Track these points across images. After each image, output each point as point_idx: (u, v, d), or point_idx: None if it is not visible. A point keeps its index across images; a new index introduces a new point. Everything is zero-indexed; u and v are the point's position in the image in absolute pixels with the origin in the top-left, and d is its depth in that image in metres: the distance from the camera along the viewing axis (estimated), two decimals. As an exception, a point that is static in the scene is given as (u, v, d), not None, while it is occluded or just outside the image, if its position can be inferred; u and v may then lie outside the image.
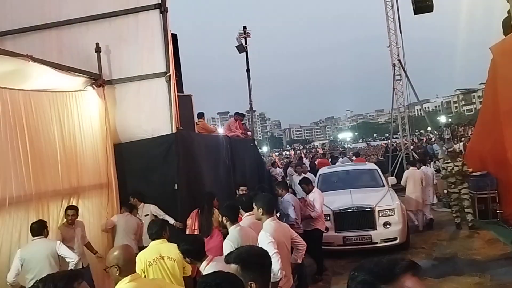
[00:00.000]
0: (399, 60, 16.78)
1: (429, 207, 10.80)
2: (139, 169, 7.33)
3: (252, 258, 2.16)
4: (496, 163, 9.59)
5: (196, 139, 8.38)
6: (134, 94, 7.54)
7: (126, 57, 7.60)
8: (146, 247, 4.51)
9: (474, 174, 10.16)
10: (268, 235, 3.91)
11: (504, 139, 8.87)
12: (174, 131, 7.34)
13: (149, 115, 7.46)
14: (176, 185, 7.13)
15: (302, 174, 11.27)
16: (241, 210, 4.92)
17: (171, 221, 6.87)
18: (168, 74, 7.43)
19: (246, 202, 4.92)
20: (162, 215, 6.97)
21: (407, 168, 11.26)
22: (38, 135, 5.79)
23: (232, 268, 2.11)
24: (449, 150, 10.58)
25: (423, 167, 10.99)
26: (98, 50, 7.38)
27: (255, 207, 4.25)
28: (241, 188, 7.38)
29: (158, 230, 4.33)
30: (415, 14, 15.65)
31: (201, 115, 11.10)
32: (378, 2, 17.39)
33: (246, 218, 4.85)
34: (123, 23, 7.68)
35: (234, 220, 4.38)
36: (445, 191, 12.81)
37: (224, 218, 4.35)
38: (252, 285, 2.06)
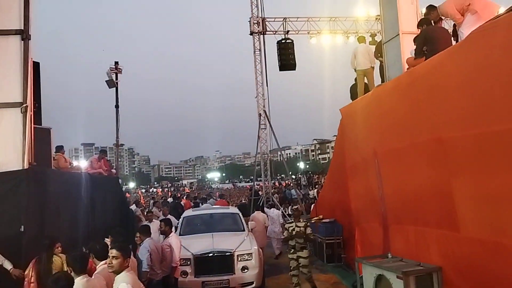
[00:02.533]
0: (265, 111, 17.99)
1: (278, 241, 12.58)
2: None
3: None
4: (342, 211, 10.68)
5: (52, 176, 7.76)
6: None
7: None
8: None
9: (324, 221, 11.20)
10: (130, 286, 3.85)
11: (349, 190, 9.97)
12: (26, 166, 6.72)
13: (-2, 148, 6.73)
14: (22, 227, 6.45)
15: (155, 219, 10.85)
16: (94, 259, 4.67)
17: (9, 266, 6.11)
18: (24, 105, 6.86)
19: (101, 250, 4.68)
20: (1, 261, 6.19)
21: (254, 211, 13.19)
22: None
23: None
24: (293, 208, 9.59)
25: (272, 209, 13.27)
26: None
27: None
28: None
29: None
30: (280, 70, 17.14)
31: (59, 149, 10.38)
32: (249, 53, 18.57)
33: (102, 268, 4.60)
34: (-23, 45, 6.95)
35: (80, 271, 4.15)
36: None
37: (68, 269, 4.08)
38: None
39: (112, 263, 3.94)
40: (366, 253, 8.53)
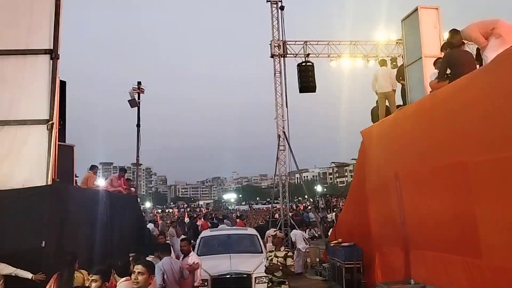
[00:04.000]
0: (284, 132, 17.97)
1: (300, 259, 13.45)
2: (2, 222, 6.58)
3: None
4: (362, 235, 10.49)
5: (73, 193, 7.89)
6: (8, 139, 6.92)
7: (4, 99, 7.04)
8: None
9: (343, 244, 11.00)
10: None
11: (369, 214, 9.82)
12: (50, 182, 6.83)
13: (23, 164, 6.87)
14: (43, 242, 6.52)
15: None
16: (115, 275, 4.67)
17: (28, 275, 6.20)
18: (50, 122, 7.02)
19: (122, 266, 4.69)
20: (14, 271, 6.28)
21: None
22: None
23: None
24: (272, 234, 7.71)
25: (294, 231, 14.30)
26: (-28, 88, 6.76)
27: None
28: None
29: None
30: (300, 92, 17.21)
31: (93, 167, 10.72)
32: (269, 75, 18.70)
33: (122, 284, 4.60)
34: (7, 64, 7.18)
35: (123, 275, 4.36)
36: (317, 259, 13.63)
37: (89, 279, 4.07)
38: None
39: (137, 279, 3.89)
40: (386, 279, 8.34)
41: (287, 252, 7.02)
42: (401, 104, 10.05)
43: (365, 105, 12.44)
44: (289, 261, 6.82)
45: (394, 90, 10.30)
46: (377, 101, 10.62)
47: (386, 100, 10.26)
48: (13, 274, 6.25)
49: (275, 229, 14.26)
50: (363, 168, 10.55)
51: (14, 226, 6.57)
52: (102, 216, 9.05)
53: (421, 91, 8.08)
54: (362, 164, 10.69)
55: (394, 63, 13.87)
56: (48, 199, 6.70)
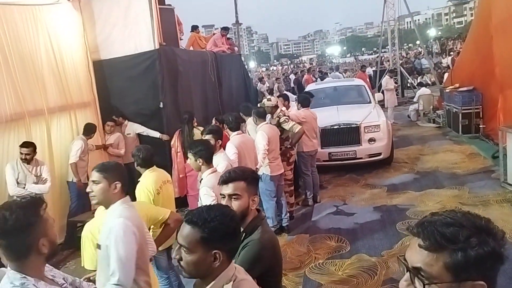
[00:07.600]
0: (392, -32, 15.99)
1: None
2: (122, 87, 7.18)
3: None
4: (483, 78, 9.56)
5: (180, 55, 8.10)
6: (114, 8, 7.09)
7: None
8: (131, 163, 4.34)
9: (460, 89, 10.22)
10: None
11: (493, 54, 8.74)
12: (157, 47, 7.05)
13: (130, 31, 7.09)
14: (161, 103, 7.03)
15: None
16: (227, 130, 4.91)
17: (156, 134, 6.97)
18: (148, -15, 6.94)
19: (233, 122, 4.89)
20: (145, 131, 7.03)
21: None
22: (11, 52, 5.50)
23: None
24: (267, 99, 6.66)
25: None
26: (71, -42, 6.80)
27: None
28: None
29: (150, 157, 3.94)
30: None
31: (194, 28, 10.84)
32: None
33: (235, 137, 4.85)
34: None
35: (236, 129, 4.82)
36: (431, 107, 13.03)
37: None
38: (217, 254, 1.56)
39: (92, 190, 2.57)
40: (510, 122, 7.70)
41: (278, 118, 6.11)
42: None
43: None
44: (286, 126, 6.08)
45: None
46: None
47: None
48: (144, 133, 7.03)
49: (390, 76, 13.73)
50: (488, 1, 9.11)
51: (134, 90, 7.13)
52: (210, 76, 9.34)
53: None
54: (488, -4, 9.21)
55: None
56: (158, 62, 6.99)
